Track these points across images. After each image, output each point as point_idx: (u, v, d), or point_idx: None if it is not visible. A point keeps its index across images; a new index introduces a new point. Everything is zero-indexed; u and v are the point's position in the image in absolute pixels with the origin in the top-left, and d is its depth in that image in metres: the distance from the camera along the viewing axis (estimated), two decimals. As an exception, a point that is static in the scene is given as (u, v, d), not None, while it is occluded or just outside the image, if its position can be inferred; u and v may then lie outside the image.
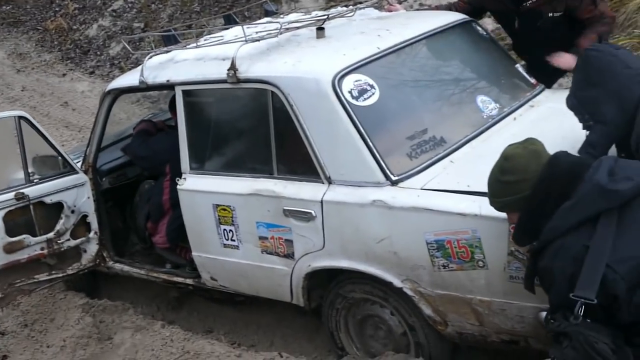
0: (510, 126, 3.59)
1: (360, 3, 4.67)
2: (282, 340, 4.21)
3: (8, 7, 14.55)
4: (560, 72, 4.21)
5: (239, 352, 3.89)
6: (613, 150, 2.99)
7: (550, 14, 4.11)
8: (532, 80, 4.11)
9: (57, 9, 13.37)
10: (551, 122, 3.51)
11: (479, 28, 4.29)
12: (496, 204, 2.57)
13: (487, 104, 3.69)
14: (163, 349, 4.03)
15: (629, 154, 2.82)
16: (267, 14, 5.16)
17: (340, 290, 3.59)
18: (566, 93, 3.54)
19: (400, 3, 4.66)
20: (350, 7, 4.34)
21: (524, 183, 2.41)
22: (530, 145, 2.49)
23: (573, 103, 2.99)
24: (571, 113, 3.05)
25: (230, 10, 10.43)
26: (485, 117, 3.62)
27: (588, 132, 2.95)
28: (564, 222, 2.29)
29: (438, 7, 4.78)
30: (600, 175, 2.28)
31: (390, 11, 4.58)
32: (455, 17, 4.18)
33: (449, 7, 4.48)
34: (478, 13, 4.44)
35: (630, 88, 2.80)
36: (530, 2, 4.12)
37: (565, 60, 3.92)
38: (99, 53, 11.56)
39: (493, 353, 3.27)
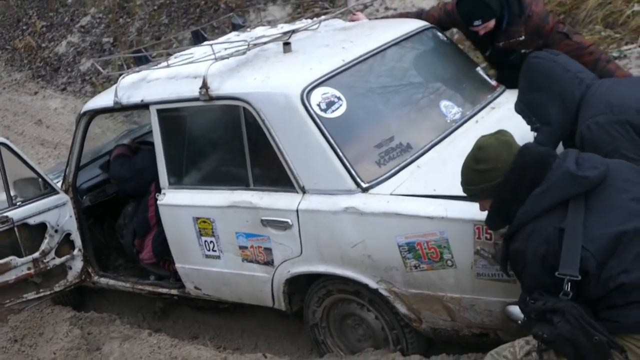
0: (472, 129, 3.61)
1: (325, 13, 4.72)
2: (266, 343, 4.25)
3: (-25, 28, 14.47)
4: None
5: (225, 356, 3.96)
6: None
7: (523, 51, 4.12)
8: (493, 83, 4.16)
9: (24, 27, 13.28)
10: (511, 123, 3.48)
11: (439, 34, 4.29)
12: (470, 191, 2.66)
13: (450, 109, 3.74)
14: (151, 356, 4.08)
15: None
16: (235, 27, 5.15)
17: (319, 292, 3.63)
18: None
19: (366, 7, 4.69)
20: (315, 19, 4.34)
21: (497, 171, 2.51)
22: (502, 137, 2.59)
23: (520, 107, 3.09)
24: None
25: (198, 22, 10.50)
26: (448, 121, 3.67)
27: (536, 133, 3.06)
28: (536, 206, 2.39)
29: (407, 14, 4.77)
30: (569, 163, 2.40)
31: (353, 20, 4.60)
32: (417, 24, 4.20)
33: (419, 15, 4.51)
34: (446, 28, 4.45)
35: (572, 90, 2.90)
36: (503, 43, 4.18)
37: None
38: (69, 70, 11.51)
39: (465, 346, 3.33)
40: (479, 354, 3.17)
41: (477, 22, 4.10)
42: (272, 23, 4.99)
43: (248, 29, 4.87)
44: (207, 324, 4.66)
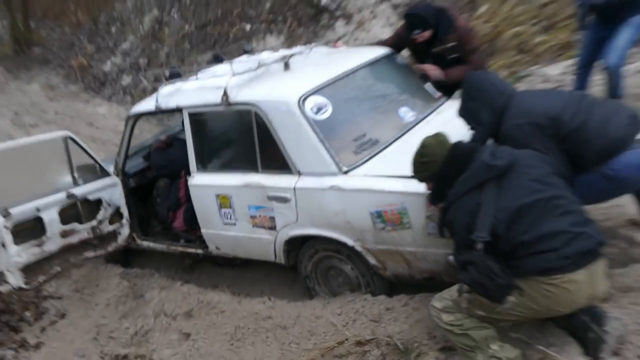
0: (424, 129, 3.64)
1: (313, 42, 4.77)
2: (270, 290, 4.27)
3: (39, 49, 14.26)
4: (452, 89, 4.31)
5: (239, 299, 4.01)
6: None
7: (450, 57, 4.27)
8: (438, 95, 4.18)
9: (77, 49, 13.14)
10: (453, 124, 3.49)
11: (398, 58, 4.35)
12: (417, 177, 2.81)
13: (406, 113, 3.77)
14: (183, 301, 4.11)
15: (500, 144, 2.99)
16: (245, 52, 5.19)
17: (309, 251, 3.71)
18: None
19: (339, 39, 4.77)
20: (308, 45, 4.40)
21: (434, 163, 2.66)
22: (439, 137, 2.74)
23: (461, 112, 3.17)
24: None
25: (213, 48, 10.51)
26: (405, 122, 3.71)
27: (472, 131, 3.14)
28: (462, 188, 2.53)
29: (378, 43, 4.79)
30: (485, 156, 2.54)
31: (336, 47, 4.66)
32: (382, 50, 4.24)
33: (382, 43, 4.57)
34: (399, 49, 4.49)
35: (497, 99, 2.96)
36: (437, 49, 4.27)
37: (433, 73, 4.27)
38: (113, 84, 11.42)
39: (417, 287, 3.40)
40: (428, 293, 3.22)
41: (417, 31, 4.24)
42: (274, 49, 4.97)
43: (256, 53, 4.91)
44: (224, 276, 4.69)
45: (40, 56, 13.91)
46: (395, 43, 4.51)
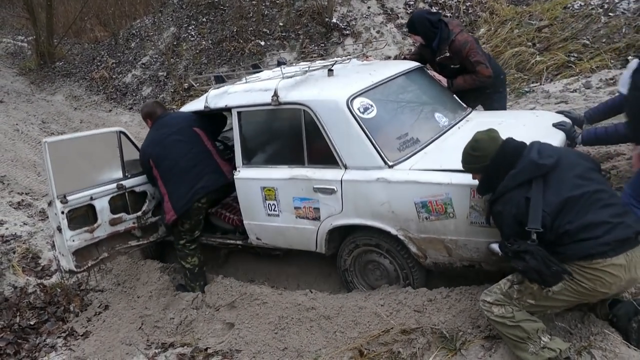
0: (456, 132, 3.69)
1: (327, 54, 4.70)
2: (306, 284, 4.21)
3: (61, 63, 14.19)
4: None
5: (280, 292, 3.94)
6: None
7: (452, 66, 4.30)
8: (465, 105, 4.18)
9: (99, 63, 13.11)
10: (481, 129, 3.57)
11: (428, 71, 4.34)
12: (467, 168, 2.81)
13: (441, 118, 3.79)
14: (225, 293, 4.05)
15: None
16: (279, 64, 5.17)
17: (350, 246, 3.67)
18: (487, 113, 3.97)
19: (363, 54, 4.76)
20: (347, 57, 4.41)
21: (485, 157, 2.67)
22: (491, 133, 2.74)
23: None
24: (491, 124, 3.09)
25: (229, 63, 10.48)
26: (441, 126, 3.72)
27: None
28: (511, 182, 2.55)
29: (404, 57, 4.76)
30: (533, 154, 2.56)
31: (367, 60, 4.60)
32: (413, 64, 4.22)
33: (403, 58, 4.61)
34: (421, 62, 4.43)
35: None
36: (439, 58, 4.32)
37: (441, 79, 4.29)
38: (134, 94, 11.40)
39: (455, 277, 3.38)
40: (467, 286, 3.24)
41: (410, 32, 4.46)
42: (309, 61, 4.94)
43: (293, 64, 4.87)
44: (259, 270, 4.60)
45: (63, 69, 13.90)
46: (417, 56, 4.60)
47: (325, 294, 3.78)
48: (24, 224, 6.01)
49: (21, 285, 4.80)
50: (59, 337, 4.28)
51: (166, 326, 4.03)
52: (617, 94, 3.85)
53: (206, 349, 3.61)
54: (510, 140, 2.71)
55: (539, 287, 2.49)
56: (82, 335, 4.25)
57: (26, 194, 7.29)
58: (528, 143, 2.71)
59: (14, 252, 5.31)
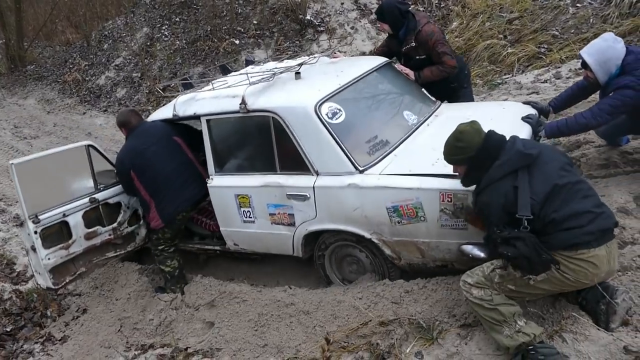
0: (426, 130, 3.72)
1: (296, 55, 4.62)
2: (285, 281, 4.19)
3: (32, 67, 14.00)
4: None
5: (259, 289, 3.98)
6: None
7: (417, 57, 4.33)
8: (433, 98, 4.21)
9: (71, 66, 12.94)
10: (450, 125, 3.44)
11: (395, 66, 4.34)
12: (450, 160, 2.82)
13: (410, 116, 3.80)
14: (205, 292, 4.06)
15: None
16: (248, 63, 5.12)
17: (326, 241, 3.69)
18: (455, 106, 3.93)
19: (331, 51, 4.80)
20: (313, 56, 4.39)
21: (470, 148, 2.69)
22: (475, 125, 2.76)
23: None
24: (460, 119, 3.11)
25: (204, 62, 10.45)
26: (410, 124, 3.74)
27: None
28: (497, 173, 2.59)
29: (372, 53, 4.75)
30: (519, 145, 2.61)
31: (335, 57, 4.61)
32: (381, 60, 4.23)
33: (372, 54, 4.64)
34: (389, 56, 4.52)
35: None
36: (404, 49, 4.35)
37: (409, 73, 4.29)
38: (108, 96, 11.28)
39: (430, 274, 3.42)
40: (443, 277, 3.30)
41: (378, 20, 4.51)
42: (278, 59, 4.96)
43: (261, 64, 4.86)
44: (238, 269, 4.62)
45: (35, 73, 13.70)
46: (384, 51, 4.63)
47: (304, 290, 3.82)
48: (-2, 230, 6.00)
49: None
50: (36, 342, 4.27)
51: (145, 328, 4.03)
52: (579, 80, 3.91)
53: (186, 349, 3.63)
54: (492, 132, 2.75)
55: (522, 275, 2.54)
56: (60, 340, 4.25)
57: (0, 199, 7.23)
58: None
59: None
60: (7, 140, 10.01)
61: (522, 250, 2.42)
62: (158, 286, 4.45)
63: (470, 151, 2.69)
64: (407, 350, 2.90)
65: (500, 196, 2.55)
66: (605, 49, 3.37)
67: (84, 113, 11.09)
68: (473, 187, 2.80)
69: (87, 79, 12.17)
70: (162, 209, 4.13)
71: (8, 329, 4.41)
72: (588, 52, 3.45)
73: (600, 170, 4.13)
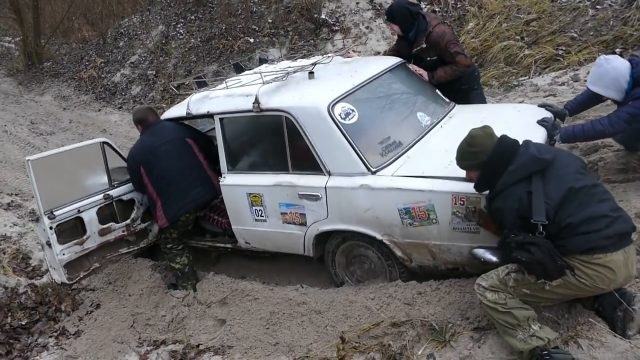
0: (439, 131, 3.72)
1: (316, 50, 4.67)
2: (297, 280, 4.23)
3: (49, 63, 14.18)
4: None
5: (272, 287, 3.99)
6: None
7: (428, 59, 4.33)
8: (447, 100, 4.20)
9: (87, 63, 13.09)
10: (463, 127, 3.44)
11: (409, 66, 4.32)
12: (463, 165, 2.83)
13: (423, 117, 3.80)
14: (217, 289, 4.10)
15: None
16: (262, 61, 5.16)
17: (337, 240, 3.70)
18: (469, 108, 3.90)
19: (345, 50, 4.80)
20: (327, 55, 4.36)
21: (482, 153, 2.68)
22: (487, 129, 2.76)
23: None
24: (474, 121, 3.20)
25: (218, 60, 10.51)
26: (423, 126, 3.74)
27: None
28: (511, 178, 2.58)
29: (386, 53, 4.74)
30: (533, 150, 2.60)
31: (349, 57, 4.62)
32: (395, 60, 4.21)
33: (385, 54, 4.63)
34: (400, 57, 4.44)
35: None
36: (415, 50, 4.35)
37: (422, 73, 4.29)
38: (123, 93, 11.39)
39: (440, 276, 3.42)
40: (456, 279, 3.30)
41: (388, 20, 4.48)
42: (291, 58, 4.98)
43: (275, 62, 4.87)
44: (250, 268, 4.63)
45: (51, 70, 13.87)
46: (397, 50, 4.63)
47: (316, 289, 3.83)
48: (14, 224, 6.03)
49: (12, 286, 4.81)
50: (50, 336, 4.33)
51: (158, 324, 4.07)
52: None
53: (198, 346, 3.66)
54: (505, 137, 2.74)
55: (537, 280, 2.52)
56: (73, 335, 4.30)
57: (16, 194, 7.32)
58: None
59: (4, 253, 5.32)
60: (23, 136, 10.16)
61: (536, 256, 2.41)
62: (171, 282, 4.49)
63: (483, 156, 2.69)
64: (419, 352, 2.89)
65: (514, 201, 2.54)
66: (604, 73, 3.43)
67: (99, 110, 11.21)
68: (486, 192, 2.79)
69: (102, 76, 12.29)
70: (167, 208, 4.18)
71: (23, 323, 4.48)
72: (592, 83, 3.51)
73: (618, 175, 4.08)
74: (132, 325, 4.17)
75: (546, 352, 2.50)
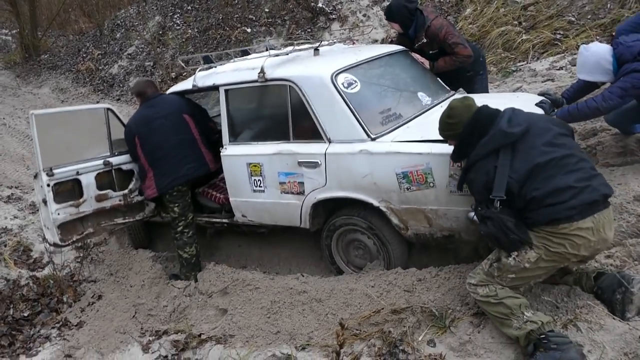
0: (439, 111, 3.55)
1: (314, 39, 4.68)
2: (297, 268, 4.25)
3: (46, 56, 14.08)
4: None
5: (272, 277, 3.97)
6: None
7: (430, 52, 4.37)
8: (448, 88, 4.25)
9: (84, 55, 13.04)
10: None
11: (412, 54, 4.38)
12: (443, 135, 2.88)
13: (424, 97, 3.85)
14: (218, 279, 4.08)
15: None
16: (267, 49, 5.20)
17: (332, 226, 3.74)
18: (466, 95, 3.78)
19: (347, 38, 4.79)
20: (332, 39, 4.43)
21: (459, 124, 2.72)
22: (466, 101, 2.79)
23: None
24: None
25: (216, 50, 10.41)
26: (423, 104, 3.78)
27: None
28: (481, 151, 2.61)
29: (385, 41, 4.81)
30: (502, 123, 2.61)
31: (352, 45, 4.65)
32: (398, 47, 4.30)
33: (384, 42, 4.58)
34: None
35: None
36: (417, 45, 4.39)
37: (424, 62, 4.34)
38: (121, 85, 11.35)
39: (436, 253, 3.44)
40: (455, 265, 3.33)
41: (387, 19, 4.50)
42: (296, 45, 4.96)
43: (282, 48, 4.88)
44: (251, 256, 4.61)
45: (49, 62, 13.80)
46: (398, 41, 4.67)
47: (316, 278, 3.84)
48: (15, 217, 6.05)
49: (14, 278, 4.83)
50: (53, 327, 4.31)
51: (159, 314, 4.05)
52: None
53: (200, 335, 3.63)
54: (484, 107, 2.75)
55: (514, 260, 2.56)
56: (76, 325, 4.28)
57: (15, 187, 7.31)
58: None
59: (5, 245, 5.35)
60: (22, 128, 10.11)
61: (490, 230, 2.50)
62: (172, 273, 4.50)
63: (460, 127, 2.73)
64: (420, 339, 2.90)
65: (482, 174, 2.58)
66: (585, 60, 3.55)
67: (98, 102, 11.17)
68: None
69: (100, 67, 12.22)
70: (158, 179, 4.22)
71: (25, 314, 4.47)
72: (579, 72, 3.66)
73: (616, 158, 4.08)
74: (134, 316, 4.15)
75: (544, 336, 2.50)
